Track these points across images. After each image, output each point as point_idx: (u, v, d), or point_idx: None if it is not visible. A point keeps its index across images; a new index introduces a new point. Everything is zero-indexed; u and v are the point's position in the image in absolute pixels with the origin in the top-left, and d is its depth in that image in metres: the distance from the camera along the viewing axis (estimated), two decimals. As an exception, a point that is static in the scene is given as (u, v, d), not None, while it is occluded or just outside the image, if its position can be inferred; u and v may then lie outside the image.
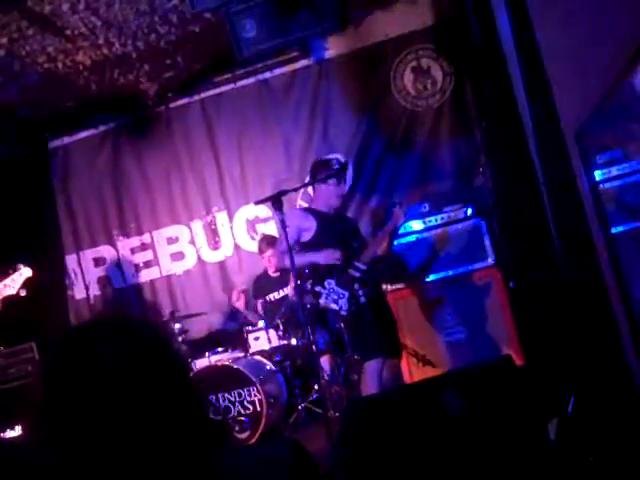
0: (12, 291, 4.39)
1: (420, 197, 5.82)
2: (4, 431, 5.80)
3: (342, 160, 5.09)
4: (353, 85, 6.40)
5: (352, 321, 4.64)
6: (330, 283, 4.67)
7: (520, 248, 4.76)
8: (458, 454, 3.08)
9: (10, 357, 6.22)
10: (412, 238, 5.57)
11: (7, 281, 4.35)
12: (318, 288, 4.63)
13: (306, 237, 4.79)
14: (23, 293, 4.45)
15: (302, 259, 4.65)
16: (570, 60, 2.79)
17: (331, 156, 5.58)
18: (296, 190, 4.57)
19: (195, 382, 2.87)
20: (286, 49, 5.99)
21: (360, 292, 4.64)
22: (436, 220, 5.48)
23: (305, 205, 5.82)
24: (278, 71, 6.51)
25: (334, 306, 4.61)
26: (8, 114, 6.34)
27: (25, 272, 4.32)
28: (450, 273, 5.45)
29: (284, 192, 4.24)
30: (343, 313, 4.60)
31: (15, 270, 4.37)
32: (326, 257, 4.65)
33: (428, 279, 5.51)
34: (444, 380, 3.70)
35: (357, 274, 4.67)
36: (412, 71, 6.27)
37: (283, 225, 4.19)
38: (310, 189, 5.29)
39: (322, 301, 4.61)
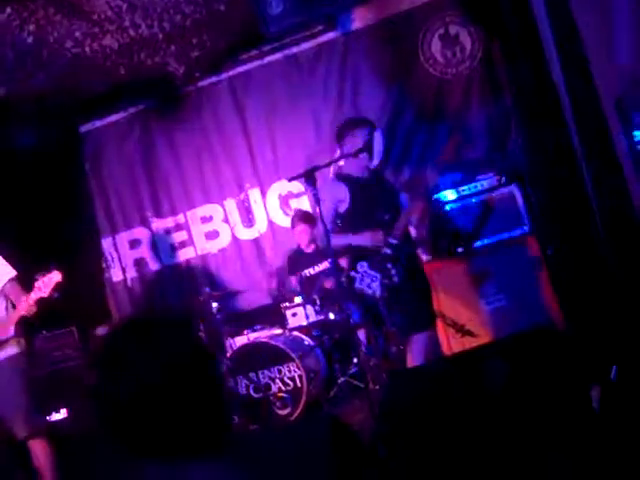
0: (44, 294, 4.44)
1: (453, 166, 5.77)
2: (50, 414, 5.92)
3: (368, 128, 4.74)
4: (381, 55, 6.33)
5: (388, 300, 4.53)
6: (362, 266, 4.54)
7: (557, 214, 4.71)
8: (500, 425, 3.08)
9: (52, 341, 6.33)
10: (447, 207, 5.52)
11: (39, 284, 4.40)
12: (352, 273, 4.52)
13: (342, 208, 4.63)
14: (56, 295, 4.50)
15: (343, 240, 4.54)
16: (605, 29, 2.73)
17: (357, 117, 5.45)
18: (328, 165, 4.49)
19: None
20: (312, 23, 5.94)
21: (393, 271, 4.50)
22: (469, 189, 5.42)
23: (336, 172, 5.36)
24: (305, 45, 6.46)
25: (368, 290, 4.51)
26: (38, 101, 6.38)
27: (55, 276, 4.36)
28: (487, 241, 5.40)
29: (316, 168, 4.22)
30: (377, 296, 4.50)
31: (46, 274, 4.41)
32: (370, 239, 4.52)
33: (466, 248, 5.46)
34: (485, 351, 3.69)
35: (389, 251, 4.51)
36: (440, 39, 6.18)
37: (317, 201, 4.17)
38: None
39: (356, 285, 4.50)
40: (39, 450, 4.42)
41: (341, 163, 4.95)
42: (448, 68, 6.18)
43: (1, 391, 4.45)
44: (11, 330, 4.61)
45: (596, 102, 3.19)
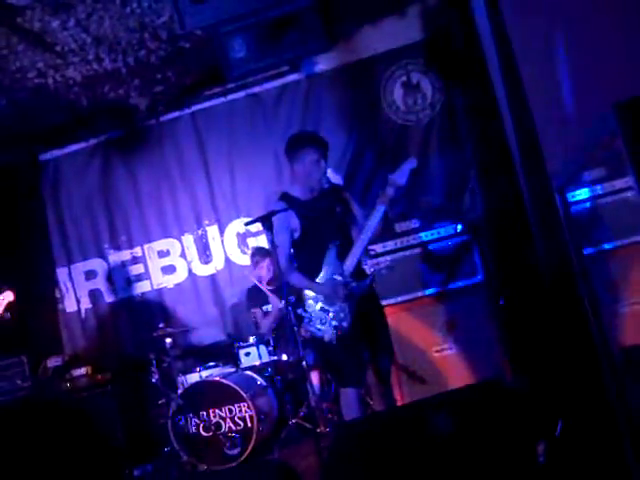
0: None
1: (412, 212, 5.85)
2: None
3: (321, 149, 4.41)
4: (343, 99, 6.42)
5: (334, 347, 4.31)
6: (310, 306, 4.34)
7: (509, 266, 4.79)
8: (446, 475, 3.10)
9: (1, 370, 6.22)
10: (398, 254, 5.56)
11: None
12: (300, 311, 4.31)
13: (296, 235, 4.36)
14: (7, 316, 4.46)
15: (299, 282, 4.35)
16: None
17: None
18: (285, 210, 4.40)
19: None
20: (275, 66, 6.00)
21: (342, 314, 4.27)
22: (426, 236, 5.49)
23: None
24: (268, 85, 6.53)
25: (317, 333, 4.32)
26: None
27: (7, 296, 4.32)
28: (440, 289, 5.46)
29: (274, 212, 4.23)
30: (326, 340, 4.29)
31: None
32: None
33: (417, 295, 5.51)
34: (433, 401, 3.72)
35: (341, 282, 4.23)
36: (402, 86, 6.29)
37: (274, 246, 4.18)
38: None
39: (305, 327, 4.33)
40: None
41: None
42: (409, 115, 6.28)
43: None
44: None
45: (541, 159, 3.28)
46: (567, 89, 3.02)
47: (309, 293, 4.36)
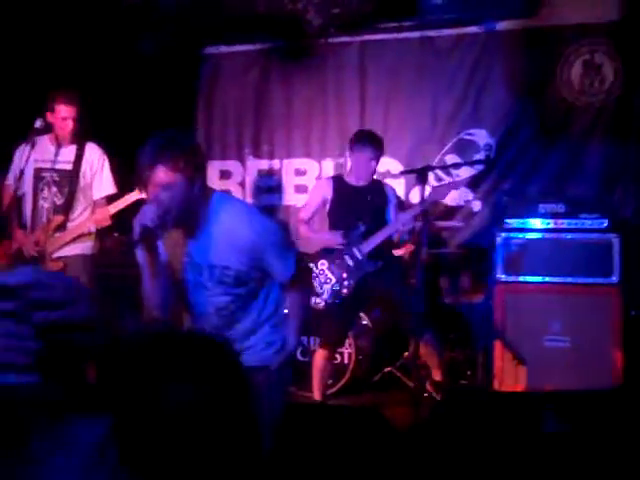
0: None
1: (556, 196, 5.66)
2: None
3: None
4: (517, 63, 6.19)
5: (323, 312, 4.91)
6: (323, 264, 4.86)
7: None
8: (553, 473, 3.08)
9: (122, 245, 6.48)
10: (535, 235, 5.42)
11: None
12: (311, 265, 4.77)
13: (327, 208, 5.11)
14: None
15: (311, 238, 5.08)
16: None
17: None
18: (442, 168, 4.47)
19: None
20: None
21: (346, 282, 4.76)
22: (569, 224, 5.32)
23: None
24: (445, 32, 6.32)
25: (317, 289, 4.81)
26: (172, 13, 6.45)
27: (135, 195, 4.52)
28: (568, 280, 5.31)
29: (430, 168, 4.20)
30: (319, 301, 4.84)
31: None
32: (326, 242, 4.96)
33: (543, 279, 5.39)
34: (547, 398, 3.69)
35: (350, 262, 4.79)
36: (582, 64, 6.01)
37: (422, 200, 4.18)
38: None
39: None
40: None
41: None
42: (581, 96, 6.02)
43: None
44: (92, 228, 4.82)
45: None
46: None
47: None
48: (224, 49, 7.06)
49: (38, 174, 4.87)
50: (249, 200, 6.98)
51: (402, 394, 5.30)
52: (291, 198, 6.88)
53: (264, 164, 6.96)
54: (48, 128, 4.86)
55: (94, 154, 4.94)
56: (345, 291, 4.81)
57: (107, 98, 6.07)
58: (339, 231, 4.94)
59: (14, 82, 5.78)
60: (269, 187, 6.95)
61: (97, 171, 4.94)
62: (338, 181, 5.18)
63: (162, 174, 2.54)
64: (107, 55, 6.33)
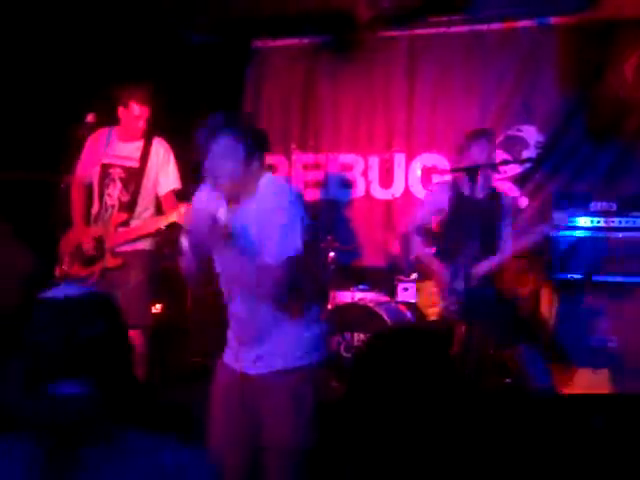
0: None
1: (607, 194, 5.56)
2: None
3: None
4: (568, 57, 6.08)
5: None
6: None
7: None
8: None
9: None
10: (584, 233, 5.33)
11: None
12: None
13: (441, 216, 4.71)
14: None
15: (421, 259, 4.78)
16: None
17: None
18: (492, 167, 4.36)
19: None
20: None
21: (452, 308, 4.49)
22: (620, 222, 5.22)
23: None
24: (495, 26, 6.23)
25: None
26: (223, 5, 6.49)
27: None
28: (618, 279, 5.22)
29: (480, 166, 4.14)
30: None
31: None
32: (433, 272, 4.62)
33: (592, 279, 5.30)
34: (594, 400, 3.64)
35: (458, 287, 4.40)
36: (637, 60, 5.88)
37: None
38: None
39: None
40: (137, 339, 4.62)
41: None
42: (635, 92, 5.88)
43: (127, 278, 4.69)
44: (162, 225, 4.84)
45: None
46: None
47: None
48: (272, 42, 7.06)
49: (106, 170, 4.86)
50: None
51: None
52: (336, 193, 6.86)
53: (310, 158, 6.95)
54: (101, 123, 4.89)
55: (161, 149, 4.92)
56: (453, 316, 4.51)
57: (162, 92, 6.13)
58: (449, 269, 4.53)
59: (71, 73, 5.82)
60: (315, 182, 6.95)
61: (163, 166, 4.91)
62: (455, 189, 4.71)
63: (225, 142, 2.54)
64: (157, 48, 6.38)
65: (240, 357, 2.80)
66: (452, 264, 4.47)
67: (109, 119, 4.95)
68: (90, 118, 4.76)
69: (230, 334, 2.89)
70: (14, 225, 5.19)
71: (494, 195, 4.72)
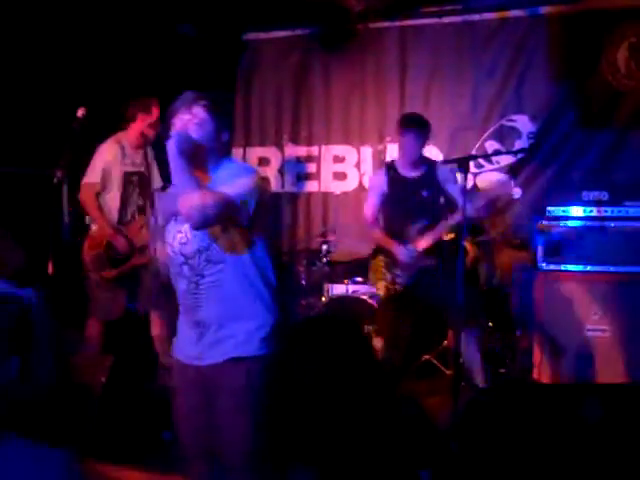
0: None
1: (600, 183, 5.55)
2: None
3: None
4: (560, 47, 6.06)
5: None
6: (381, 260, 4.95)
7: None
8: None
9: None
10: (577, 223, 5.32)
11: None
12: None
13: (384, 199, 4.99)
14: None
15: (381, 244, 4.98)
16: None
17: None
18: (485, 158, 4.37)
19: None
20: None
21: (399, 280, 4.84)
22: (612, 212, 5.21)
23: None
24: (487, 15, 6.24)
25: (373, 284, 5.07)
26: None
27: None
28: (610, 269, 5.21)
29: (472, 156, 4.14)
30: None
31: None
32: (393, 252, 4.83)
33: (585, 269, 5.29)
34: (587, 390, 3.64)
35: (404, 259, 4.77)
36: (629, 47, 5.87)
37: (463, 191, 4.12)
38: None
39: None
40: (156, 321, 5.02)
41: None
42: (627, 80, 5.88)
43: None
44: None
45: None
46: None
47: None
48: (264, 35, 7.04)
49: (128, 178, 5.10)
50: (287, 186, 7.00)
51: (440, 382, 5.28)
52: (329, 185, 6.85)
53: (302, 151, 6.95)
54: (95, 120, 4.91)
55: (151, 151, 5.19)
56: (398, 287, 4.84)
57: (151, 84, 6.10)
58: (402, 247, 4.82)
59: (64, 67, 5.78)
60: (307, 173, 6.93)
61: (154, 167, 5.22)
62: (391, 172, 4.98)
63: (199, 110, 2.62)
64: (149, 40, 6.34)
65: (190, 348, 2.74)
66: (400, 241, 4.80)
67: (109, 119, 5.07)
68: (80, 112, 4.74)
69: (181, 326, 2.82)
70: (4, 220, 5.17)
71: (430, 169, 4.89)
